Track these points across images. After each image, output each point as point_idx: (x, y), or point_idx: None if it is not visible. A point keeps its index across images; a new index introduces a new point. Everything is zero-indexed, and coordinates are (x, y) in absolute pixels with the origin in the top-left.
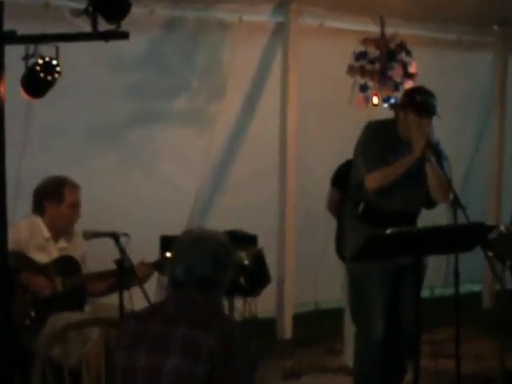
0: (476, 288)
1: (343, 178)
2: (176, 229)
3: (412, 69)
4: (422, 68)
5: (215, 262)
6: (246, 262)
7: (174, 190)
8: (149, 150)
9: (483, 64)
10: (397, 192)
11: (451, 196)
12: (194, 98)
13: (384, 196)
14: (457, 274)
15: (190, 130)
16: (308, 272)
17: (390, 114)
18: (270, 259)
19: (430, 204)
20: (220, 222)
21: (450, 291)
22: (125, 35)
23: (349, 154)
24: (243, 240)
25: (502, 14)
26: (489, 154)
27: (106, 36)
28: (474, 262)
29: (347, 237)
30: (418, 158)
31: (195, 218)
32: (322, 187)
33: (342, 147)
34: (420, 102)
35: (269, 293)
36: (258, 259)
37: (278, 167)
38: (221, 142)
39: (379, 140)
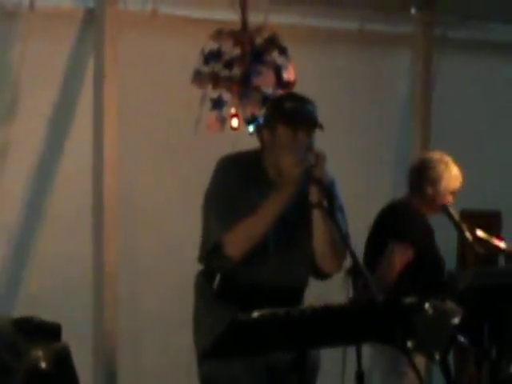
0: None
1: None
2: None
3: (288, 74)
4: (305, 73)
5: None
6: (44, 366)
7: None
8: None
9: (397, 65)
10: (267, 257)
11: (347, 261)
12: None
13: (249, 264)
14: (360, 377)
15: None
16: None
17: None
18: (82, 360)
19: (319, 272)
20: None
21: None
22: None
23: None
24: (39, 332)
25: None
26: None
27: None
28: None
29: (197, 324)
30: (299, 202)
31: None
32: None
33: (189, 197)
34: (291, 109)
35: None
36: (62, 360)
37: (92, 231)
38: (19, 187)
39: (238, 182)
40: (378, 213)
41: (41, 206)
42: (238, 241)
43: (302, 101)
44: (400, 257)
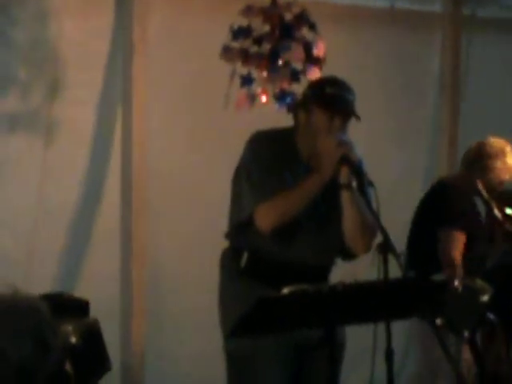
0: None
1: None
2: None
3: (318, 51)
4: (334, 51)
5: (37, 344)
6: (74, 340)
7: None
8: None
9: (427, 44)
10: (296, 235)
11: (376, 241)
12: (26, 94)
13: (278, 243)
14: (389, 355)
15: (23, 142)
16: (173, 356)
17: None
18: (111, 337)
19: (348, 253)
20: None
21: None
22: None
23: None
24: (69, 308)
25: None
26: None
27: None
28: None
29: (224, 301)
30: (328, 183)
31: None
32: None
33: (219, 174)
34: (331, 95)
35: None
36: (91, 335)
37: (120, 214)
38: (65, 164)
39: (271, 157)
40: (428, 190)
41: (91, 185)
42: (272, 213)
43: (342, 88)
44: (454, 242)
